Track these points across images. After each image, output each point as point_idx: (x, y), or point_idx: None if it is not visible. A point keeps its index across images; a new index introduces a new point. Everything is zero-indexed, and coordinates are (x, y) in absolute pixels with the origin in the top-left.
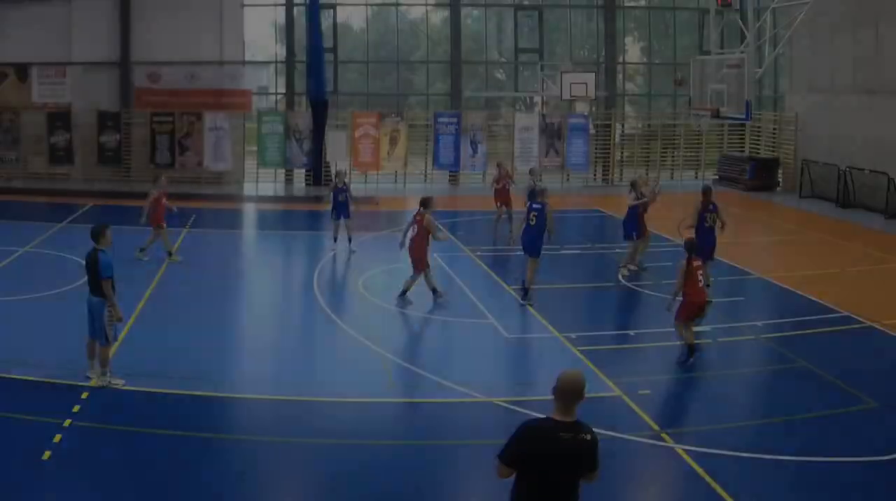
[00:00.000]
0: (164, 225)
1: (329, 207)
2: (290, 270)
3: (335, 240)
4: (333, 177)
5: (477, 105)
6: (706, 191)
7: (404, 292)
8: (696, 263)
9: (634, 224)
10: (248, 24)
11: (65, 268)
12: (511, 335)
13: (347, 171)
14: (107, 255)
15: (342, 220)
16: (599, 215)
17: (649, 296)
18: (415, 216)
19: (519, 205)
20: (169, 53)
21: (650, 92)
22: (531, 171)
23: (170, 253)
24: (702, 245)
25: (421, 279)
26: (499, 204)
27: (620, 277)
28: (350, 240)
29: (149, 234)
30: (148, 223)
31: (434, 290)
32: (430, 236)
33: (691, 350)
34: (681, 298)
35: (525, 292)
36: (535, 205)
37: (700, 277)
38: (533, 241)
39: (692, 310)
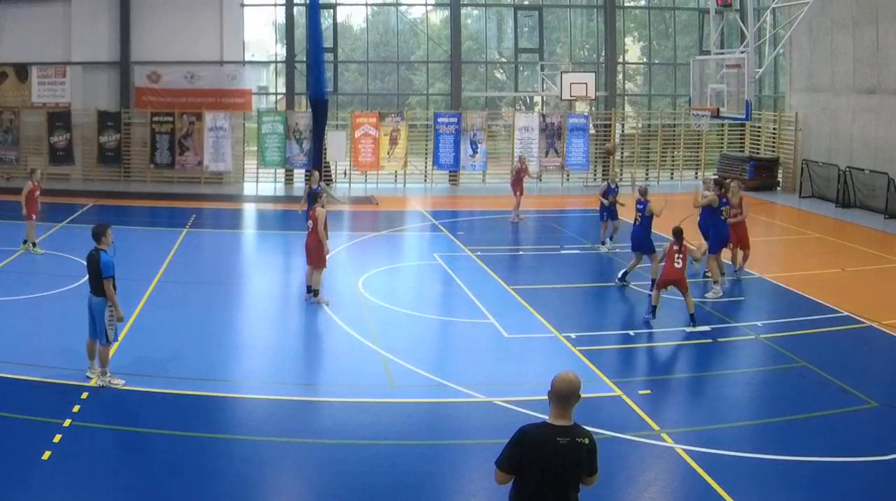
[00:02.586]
0: (34, 218)
1: (304, 208)
2: (290, 270)
3: None
4: (308, 178)
5: (477, 105)
6: (721, 185)
7: (315, 293)
8: (675, 247)
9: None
10: (248, 24)
11: (65, 268)
12: (511, 335)
13: (347, 172)
14: (108, 255)
15: None
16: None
17: (649, 296)
18: (308, 213)
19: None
20: (169, 53)
21: (650, 92)
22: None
23: (33, 244)
24: (721, 236)
25: (321, 275)
26: (517, 191)
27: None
28: None
29: (27, 227)
30: (26, 216)
31: (309, 288)
32: (326, 232)
33: (654, 310)
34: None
35: (633, 281)
36: (639, 205)
37: (678, 259)
38: (640, 239)
39: (665, 281)
